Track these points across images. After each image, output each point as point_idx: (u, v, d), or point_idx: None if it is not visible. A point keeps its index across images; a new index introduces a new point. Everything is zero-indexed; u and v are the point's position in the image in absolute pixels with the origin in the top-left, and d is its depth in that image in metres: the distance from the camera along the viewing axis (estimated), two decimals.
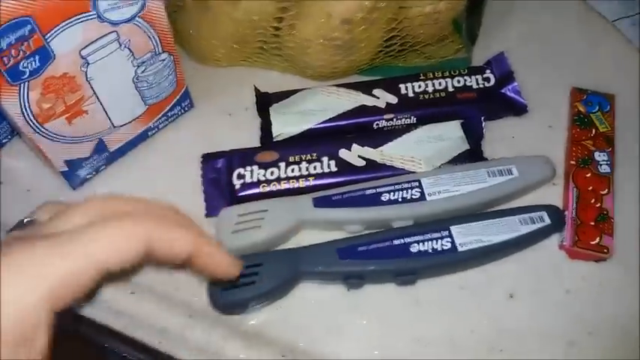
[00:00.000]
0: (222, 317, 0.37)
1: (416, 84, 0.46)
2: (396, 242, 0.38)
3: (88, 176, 0.44)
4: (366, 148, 0.42)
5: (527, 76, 0.48)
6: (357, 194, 0.40)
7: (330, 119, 0.45)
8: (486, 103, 0.46)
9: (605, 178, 0.41)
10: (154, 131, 0.46)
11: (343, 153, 0.42)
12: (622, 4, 0.54)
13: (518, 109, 0.46)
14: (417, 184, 0.40)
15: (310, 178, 0.41)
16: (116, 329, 0.38)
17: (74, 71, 0.36)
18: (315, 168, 0.41)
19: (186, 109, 0.47)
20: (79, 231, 0.22)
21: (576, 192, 0.41)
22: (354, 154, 0.42)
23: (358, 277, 0.38)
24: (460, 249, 0.37)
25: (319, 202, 0.40)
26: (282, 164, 0.42)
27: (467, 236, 0.38)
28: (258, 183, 0.41)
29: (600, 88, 0.47)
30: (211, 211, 0.41)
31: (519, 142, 0.45)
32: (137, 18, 0.37)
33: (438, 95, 0.46)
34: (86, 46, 0.36)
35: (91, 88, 0.38)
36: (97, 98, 0.39)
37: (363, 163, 0.42)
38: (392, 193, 0.40)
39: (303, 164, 0.42)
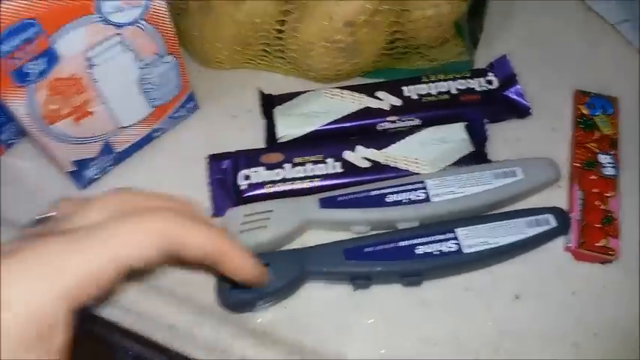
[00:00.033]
0: (230, 315, 0.38)
1: (419, 86, 0.47)
2: (402, 244, 0.38)
3: (95, 177, 0.44)
4: (370, 149, 0.43)
5: (529, 78, 0.48)
6: (362, 195, 0.40)
7: (334, 121, 0.45)
8: (489, 106, 0.46)
9: (610, 181, 0.41)
10: (159, 132, 0.46)
11: (347, 154, 0.42)
12: (623, 7, 0.54)
13: (521, 111, 0.47)
14: (421, 185, 0.40)
15: (315, 179, 0.41)
16: (124, 326, 0.38)
17: (80, 73, 0.36)
18: (320, 169, 0.42)
19: (191, 110, 0.47)
20: (98, 226, 0.22)
21: (581, 194, 0.41)
22: (359, 156, 0.42)
23: (364, 277, 0.38)
24: (466, 251, 0.38)
25: (325, 203, 0.40)
26: (288, 165, 0.42)
27: (472, 238, 0.38)
28: (263, 184, 0.41)
29: (602, 91, 0.47)
30: (217, 211, 0.41)
31: (523, 144, 0.45)
32: (141, 20, 0.37)
33: (441, 97, 0.46)
34: (91, 48, 0.36)
35: (97, 89, 0.38)
36: (103, 100, 0.39)
37: (367, 164, 0.42)
38: (397, 194, 0.40)
39: (309, 165, 0.42)
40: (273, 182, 0.41)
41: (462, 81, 0.47)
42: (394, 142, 0.43)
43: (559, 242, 0.40)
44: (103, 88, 0.38)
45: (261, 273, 0.27)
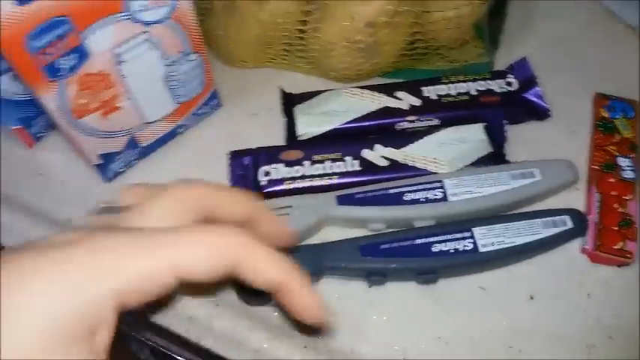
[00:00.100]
0: (247, 308, 0.38)
1: (438, 87, 0.47)
2: (418, 241, 0.38)
3: (120, 170, 0.45)
4: (389, 148, 0.43)
5: (549, 80, 0.48)
6: (379, 193, 0.40)
7: (353, 120, 0.45)
8: (509, 107, 0.46)
9: (630, 184, 0.41)
10: (183, 129, 0.47)
11: (366, 153, 0.43)
12: None
13: (540, 113, 0.47)
14: (439, 184, 0.40)
15: (334, 177, 0.42)
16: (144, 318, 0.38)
17: (109, 69, 0.37)
18: (339, 167, 0.42)
19: (214, 108, 0.48)
20: (164, 232, 0.21)
21: (599, 197, 0.41)
22: (377, 154, 0.43)
23: (380, 274, 0.38)
24: (481, 250, 0.38)
25: (343, 200, 0.40)
26: (307, 162, 0.43)
27: (489, 237, 0.38)
28: (283, 180, 0.42)
29: (623, 94, 0.47)
30: None
31: (542, 146, 0.45)
32: (167, 19, 0.38)
33: (460, 98, 0.46)
34: (119, 45, 0.37)
35: (125, 85, 0.39)
36: (130, 95, 0.40)
37: (386, 163, 0.42)
38: (414, 193, 0.40)
39: (327, 163, 0.42)
40: (293, 179, 0.42)
41: (482, 82, 0.47)
42: (413, 142, 0.44)
43: (575, 244, 0.40)
44: (130, 84, 0.40)
45: (321, 315, 0.25)
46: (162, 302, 0.36)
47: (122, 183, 0.45)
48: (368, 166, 0.42)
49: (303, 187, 0.42)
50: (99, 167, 0.43)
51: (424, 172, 0.42)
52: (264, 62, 0.51)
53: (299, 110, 0.46)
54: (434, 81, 0.47)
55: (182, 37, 0.40)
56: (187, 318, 0.38)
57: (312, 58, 0.49)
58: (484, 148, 0.43)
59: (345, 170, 0.42)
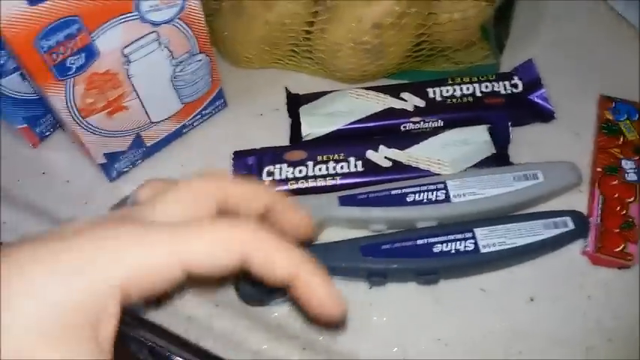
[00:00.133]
0: (247, 308, 0.39)
1: (444, 88, 0.47)
2: (419, 242, 0.38)
3: (124, 169, 0.45)
4: (392, 149, 0.43)
5: (554, 82, 0.48)
6: (382, 194, 0.41)
7: (357, 121, 0.46)
8: (514, 109, 0.46)
9: (632, 186, 0.41)
10: (188, 128, 0.48)
11: (370, 154, 0.43)
12: None
13: (545, 115, 0.47)
14: (442, 185, 0.41)
15: (337, 177, 0.42)
16: (142, 317, 0.39)
17: (117, 68, 0.38)
18: (342, 167, 0.43)
19: (219, 108, 0.49)
20: (173, 225, 0.21)
21: (602, 199, 0.41)
22: (381, 155, 0.43)
23: (381, 274, 0.38)
24: (483, 251, 0.38)
25: (345, 201, 0.41)
26: (311, 163, 0.43)
27: (490, 238, 0.38)
28: (286, 180, 0.42)
29: (628, 97, 0.47)
30: None
31: (546, 148, 0.45)
32: (176, 19, 0.39)
33: (465, 100, 0.46)
34: (128, 44, 0.37)
35: (132, 85, 0.40)
36: (137, 95, 0.41)
37: (389, 164, 0.43)
38: (417, 194, 0.40)
39: (331, 164, 0.43)
40: (296, 179, 0.42)
41: (487, 84, 0.47)
42: (417, 143, 0.44)
43: (576, 246, 0.40)
44: (138, 84, 0.40)
45: (339, 307, 0.23)
46: (166, 296, 0.35)
47: (126, 183, 0.45)
48: (371, 167, 0.43)
49: (307, 188, 0.42)
50: (103, 166, 0.44)
51: (427, 174, 0.42)
52: (270, 63, 0.52)
53: (304, 111, 0.47)
54: (439, 82, 0.48)
55: (190, 37, 0.41)
56: (186, 318, 0.38)
57: (318, 59, 0.49)
58: (488, 149, 0.44)
59: (348, 171, 0.42)
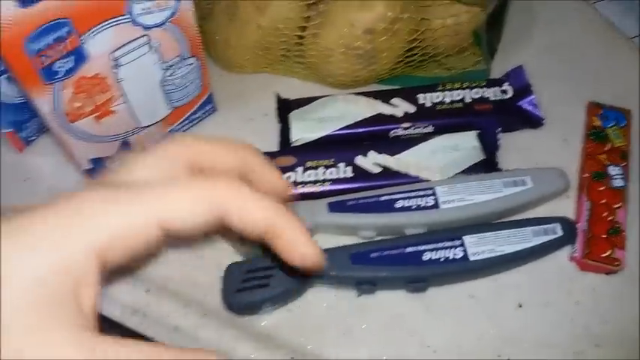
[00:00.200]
0: (234, 318, 0.38)
1: (434, 94, 0.47)
2: (408, 250, 0.38)
3: None
4: (382, 155, 0.43)
5: (544, 88, 0.48)
6: (371, 200, 0.41)
7: (347, 126, 0.46)
8: (503, 115, 0.46)
9: (619, 192, 0.42)
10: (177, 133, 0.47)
11: (360, 160, 0.43)
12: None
13: (534, 121, 0.47)
14: (431, 192, 0.41)
15: (326, 183, 0.42)
16: (129, 326, 0.38)
17: (105, 72, 0.38)
18: (331, 173, 0.43)
19: (209, 112, 0.49)
20: (143, 184, 0.20)
21: (589, 205, 0.41)
22: (371, 161, 0.43)
23: (370, 282, 0.38)
24: (472, 258, 0.38)
25: (334, 207, 0.41)
26: (300, 169, 0.43)
27: (479, 246, 0.38)
28: None
29: (617, 103, 0.47)
30: None
31: (534, 154, 0.46)
32: (168, 23, 0.38)
33: (455, 106, 0.46)
34: (118, 48, 0.37)
35: (121, 89, 0.39)
36: (126, 99, 0.40)
37: (378, 169, 0.43)
38: (406, 200, 0.40)
39: (320, 169, 0.43)
40: None
41: (478, 90, 0.47)
42: (407, 149, 0.44)
43: (564, 252, 0.40)
44: (127, 88, 0.40)
45: (317, 256, 0.23)
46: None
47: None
48: (360, 173, 0.43)
49: (295, 194, 0.42)
50: (88, 172, 0.43)
51: (416, 180, 0.42)
52: (261, 67, 0.52)
53: (294, 116, 0.47)
54: (430, 88, 0.48)
55: (181, 40, 0.40)
56: (173, 328, 0.38)
57: (309, 64, 0.49)
58: (477, 155, 0.44)
59: (337, 177, 0.42)
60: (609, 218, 0.40)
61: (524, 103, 0.47)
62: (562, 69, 0.51)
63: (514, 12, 0.53)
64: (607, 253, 0.39)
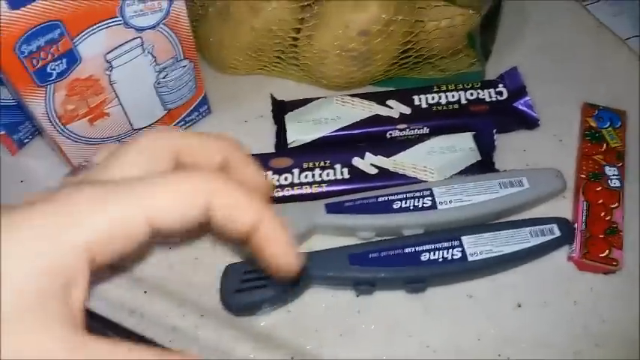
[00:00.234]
0: (233, 318, 0.38)
1: (429, 96, 0.47)
2: (407, 250, 0.38)
3: None
4: (378, 156, 0.43)
5: (539, 90, 0.48)
6: (368, 201, 0.40)
7: (343, 128, 0.45)
8: (498, 116, 0.46)
9: (616, 192, 0.42)
10: None
11: (356, 161, 0.43)
12: (633, 23, 0.55)
13: (529, 122, 0.47)
14: (428, 192, 0.41)
15: (323, 185, 0.42)
16: (127, 327, 0.38)
17: (99, 74, 0.37)
18: (328, 175, 0.42)
19: (204, 114, 0.48)
20: (131, 180, 0.20)
21: (586, 205, 0.41)
22: (367, 163, 0.43)
23: (368, 283, 0.38)
24: (470, 259, 0.38)
25: (331, 208, 0.40)
26: (296, 170, 0.43)
27: (477, 246, 0.38)
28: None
29: (611, 104, 0.47)
30: None
31: (530, 155, 0.46)
32: (161, 24, 0.38)
33: (451, 107, 0.47)
34: (111, 50, 0.37)
35: (114, 91, 0.39)
36: (119, 101, 0.40)
37: (375, 171, 0.43)
38: (403, 201, 0.40)
39: (317, 171, 0.43)
40: (282, 187, 0.42)
41: (473, 91, 0.47)
42: (403, 150, 0.44)
43: (562, 252, 0.40)
44: (120, 90, 0.40)
45: (293, 262, 0.23)
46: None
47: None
48: (357, 175, 0.42)
49: (292, 195, 0.42)
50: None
51: (413, 181, 0.42)
52: (255, 69, 0.51)
53: (289, 118, 0.46)
54: (426, 90, 0.48)
55: (174, 42, 0.40)
56: (172, 328, 0.38)
57: (304, 66, 0.49)
58: (473, 156, 0.44)
59: (334, 178, 0.42)
60: (607, 218, 0.40)
61: (520, 104, 0.47)
62: (555, 70, 0.52)
63: (507, 14, 0.53)
64: (605, 253, 0.39)
